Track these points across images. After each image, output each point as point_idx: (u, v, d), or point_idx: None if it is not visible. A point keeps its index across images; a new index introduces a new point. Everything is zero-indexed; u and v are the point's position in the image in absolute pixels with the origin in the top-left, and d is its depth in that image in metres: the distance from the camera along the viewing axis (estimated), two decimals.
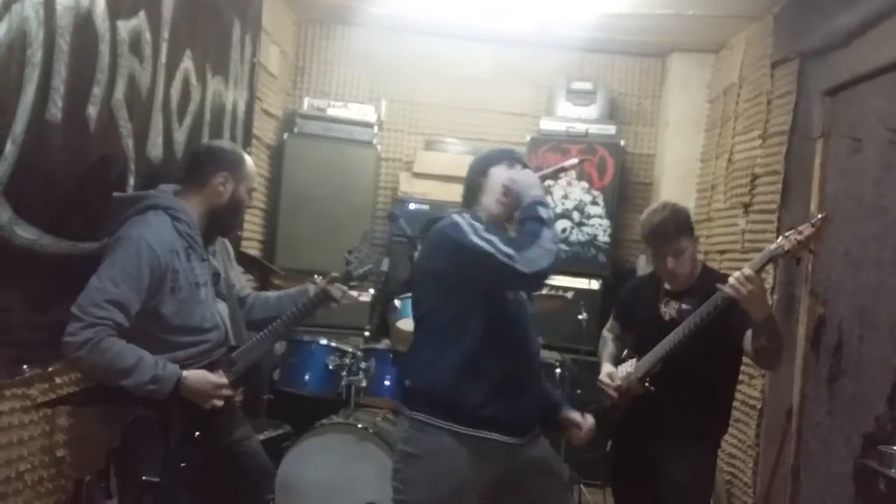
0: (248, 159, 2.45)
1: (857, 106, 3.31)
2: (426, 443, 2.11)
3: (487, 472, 2.16)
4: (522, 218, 2.12)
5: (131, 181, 2.55)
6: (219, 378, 2.23)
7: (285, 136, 4.67)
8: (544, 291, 4.53)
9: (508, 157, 2.29)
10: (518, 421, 2.17)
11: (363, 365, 3.36)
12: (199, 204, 2.33)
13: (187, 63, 2.94)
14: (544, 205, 2.13)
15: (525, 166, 2.29)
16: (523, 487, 2.26)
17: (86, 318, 2.01)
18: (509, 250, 2.02)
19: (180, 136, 2.92)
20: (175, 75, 2.85)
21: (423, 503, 2.12)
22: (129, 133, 2.50)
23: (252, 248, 4.36)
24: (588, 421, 2.29)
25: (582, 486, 3.93)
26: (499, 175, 2.24)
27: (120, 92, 2.41)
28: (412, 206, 4.62)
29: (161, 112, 2.74)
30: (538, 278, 2.09)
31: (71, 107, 2.14)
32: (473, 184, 2.28)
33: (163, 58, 2.71)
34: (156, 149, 2.71)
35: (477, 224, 2.10)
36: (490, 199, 2.23)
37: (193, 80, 3.02)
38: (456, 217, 2.13)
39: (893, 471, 2.14)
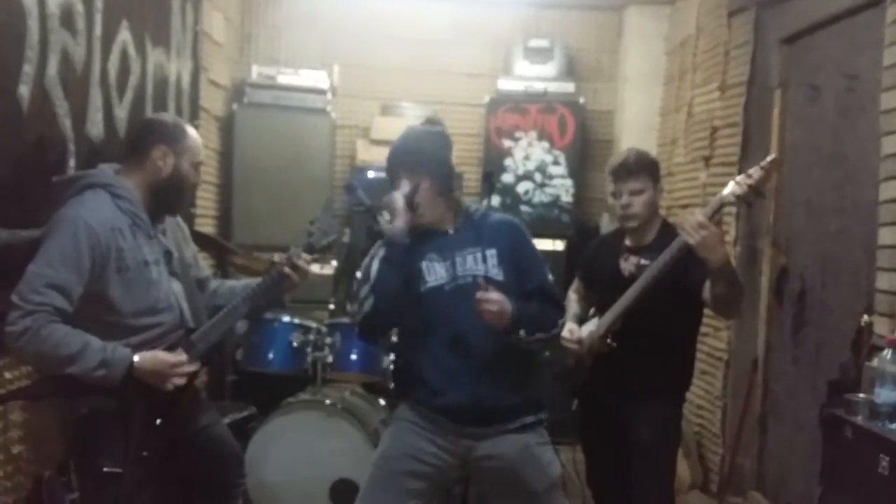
0: (192, 131, 2.33)
1: (814, 54, 3.30)
2: (397, 411, 2.32)
3: (442, 451, 2.16)
4: None
5: (71, 163, 2.43)
6: (174, 356, 2.13)
7: (234, 106, 4.52)
8: None
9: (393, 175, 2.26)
10: (454, 408, 2.13)
11: (328, 340, 3.30)
12: (142, 181, 2.21)
13: (125, 34, 2.80)
14: (386, 244, 2.16)
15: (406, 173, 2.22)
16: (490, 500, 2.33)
17: (25, 305, 1.92)
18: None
19: (121, 112, 2.79)
20: (112, 48, 2.72)
21: (378, 455, 2.26)
22: (65, 112, 2.38)
23: (206, 226, 4.23)
24: None
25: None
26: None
27: (53, 69, 2.29)
28: (371, 174, 4.52)
29: (99, 88, 2.61)
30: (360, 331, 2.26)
31: (0, 87, 2.02)
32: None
33: (97, 30, 2.58)
34: (96, 127, 2.59)
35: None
36: None
37: (132, 52, 2.88)
38: None
39: (859, 418, 2.16)
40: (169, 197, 2.26)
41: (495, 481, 2.22)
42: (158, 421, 2.15)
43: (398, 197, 2.15)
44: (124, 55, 2.81)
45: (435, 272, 2.18)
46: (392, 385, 2.38)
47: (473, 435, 2.15)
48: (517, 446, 2.16)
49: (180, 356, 2.15)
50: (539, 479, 2.19)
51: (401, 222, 2.13)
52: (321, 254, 2.45)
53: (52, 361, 1.98)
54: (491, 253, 2.19)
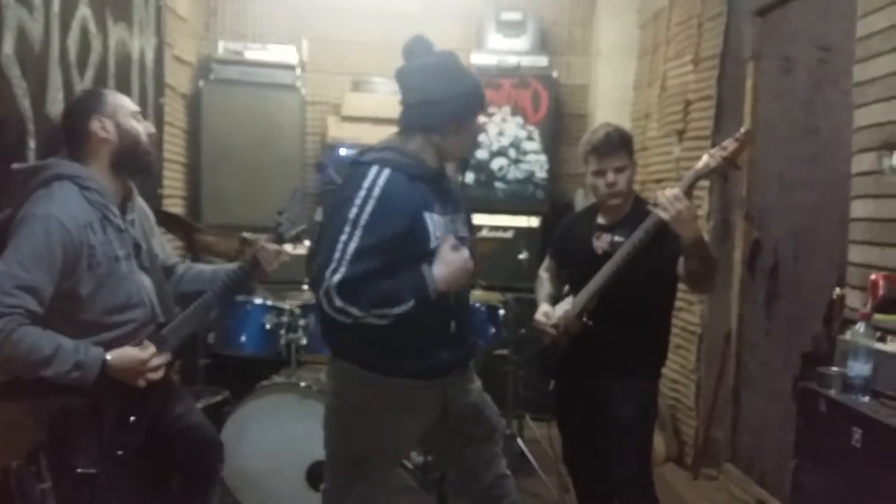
0: (105, 90, 2.30)
1: (787, 26, 3.29)
2: (352, 394, 2.10)
3: (415, 419, 2.10)
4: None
5: (31, 144, 2.35)
6: (144, 351, 2.09)
7: (201, 83, 4.42)
8: (483, 233, 4.50)
9: (482, 106, 2.21)
10: (449, 363, 2.08)
11: (302, 322, 3.25)
12: (100, 162, 2.14)
13: (84, 10, 2.71)
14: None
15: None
16: (455, 452, 2.22)
17: None
18: (344, 264, 1.94)
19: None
20: (71, 25, 2.62)
21: (364, 455, 2.09)
22: (24, 92, 2.30)
23: (175, 207, 4.15)
24: None
25: (530, 422, 3.98)
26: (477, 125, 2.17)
27: (9, 47, 2.21)
28: (343, 151, 4.45)
29: (59, 66, 2.52)
30: (325, 304, 1.94)
31: None
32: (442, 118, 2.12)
33: (55, 6, 2.49)
34: (56, 106, 2.50)
35: (378, 189, 1.97)
36: (457, 145, 2.13)
37: (92, 28, 2.79)
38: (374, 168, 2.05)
39: (833, 391, 2.18)
40: (134, 159, 2.18)
41: (466, 430, 2.19)
42: (132, 418, 2.11)
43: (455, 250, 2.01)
44: (84, 32, 2.71)
45: (437, 226, 2.03)
46: (364, 361, 2.08)
47: (430, 387, 2.08)
48: (474, 392, 2.21)
49: (150, 349, 2.10)
50: (495, 416, 2.27)
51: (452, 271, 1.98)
52: (291, 244, 2.40)
53: (25, 365, 1.93)
54: (466, 217, 2.22)
